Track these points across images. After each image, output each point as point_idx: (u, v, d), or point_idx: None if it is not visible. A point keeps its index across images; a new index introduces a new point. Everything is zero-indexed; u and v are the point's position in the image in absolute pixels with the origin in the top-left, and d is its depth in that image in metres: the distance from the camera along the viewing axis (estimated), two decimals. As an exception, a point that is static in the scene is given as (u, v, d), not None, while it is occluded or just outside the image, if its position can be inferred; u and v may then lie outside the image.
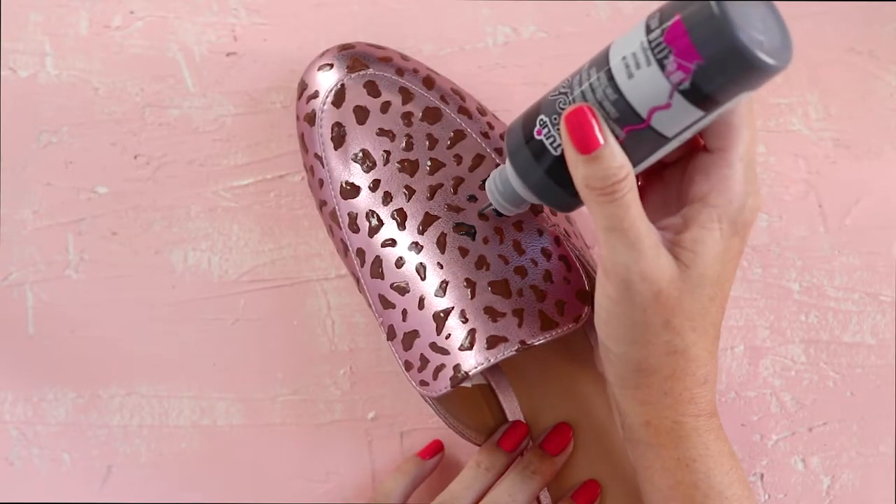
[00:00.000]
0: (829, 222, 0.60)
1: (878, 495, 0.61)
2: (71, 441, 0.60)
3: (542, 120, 0.47)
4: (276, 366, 0.60)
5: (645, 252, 0.45)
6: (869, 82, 0.60)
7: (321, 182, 0.55)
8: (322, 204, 0.56)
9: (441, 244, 0.53)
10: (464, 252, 0.53)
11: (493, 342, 0.51)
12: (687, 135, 0.45)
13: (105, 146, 0.60)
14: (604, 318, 0.47)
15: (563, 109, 0.45)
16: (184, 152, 0.60)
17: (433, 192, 0.53)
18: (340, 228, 0.55)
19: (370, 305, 0.54)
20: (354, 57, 0.54)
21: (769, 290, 0.60)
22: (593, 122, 0.44)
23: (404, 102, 0.54)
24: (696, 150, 0.48)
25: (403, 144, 0.54)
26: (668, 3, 0.43)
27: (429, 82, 0.55)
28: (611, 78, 0.44)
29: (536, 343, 0.51)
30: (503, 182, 0.50)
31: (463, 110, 0.55)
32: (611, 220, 0.44)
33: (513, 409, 0.58)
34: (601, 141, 0.44)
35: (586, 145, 0.44)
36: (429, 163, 0.54)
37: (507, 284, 0.52)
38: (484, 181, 0.54)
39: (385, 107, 0.54)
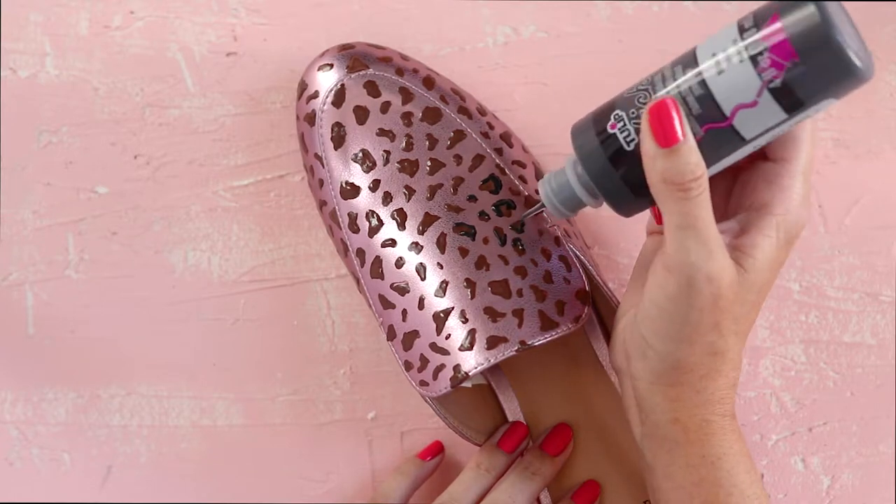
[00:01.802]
0: (829, 222, 0.60)
1: (878, 495, 0.61)
2: (71, 441, 0.60)
3: (617, 115, 0.47)
4: (276, 366, 0.60)
5: (715, 253, 0.45)
6: (869, 82, 0.60)
7: (321, 182, 0.55)
8: (322, 204, 0.56)
9: (441, 244, 0.53)
10: (464, 252, 0.53)
11: (492, 342, 0.51)
12: (762, 141, 0.45)
13: (105, 146, 0.60)
14: (654, 315, 0.47)
15: (642, 104, 0.46)
16: (184, 152, 0.60)
17: (433, 192, 0.53)
18: (340, 228, 0.55)
19: (370, 305, 0.54)
20: (354, 57, 0.54)
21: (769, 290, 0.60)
22: (675, 115, 0.44)
23: (404, 102, 0.54)
24: (745, 162, 0.48)
25: (403, 144, 0.54)
26: (763, 4, 0.44)
27: (429, 82, 0.55)
28: (698, 73, 0.44)
29: (536, 343, 0.51)
30: (560, 184, 0.50)
31: (463, 110, 0.55)
32: (686, 217, 0.45)
33: (513, 410, 0.58)
34: (682, 135, 0.44)
35: (668, 138, 0.44)
36: (429, 163, 0.54)
37: (507, 285, 0.52)
38: (484, 181, 0.54)
39: (385, 107, 0.54)
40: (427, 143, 0.54)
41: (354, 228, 0.54)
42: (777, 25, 0.43)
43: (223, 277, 0.60)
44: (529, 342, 0.51)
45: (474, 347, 0.51)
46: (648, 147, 0.45)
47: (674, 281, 0.46)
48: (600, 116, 0.48)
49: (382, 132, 0.54)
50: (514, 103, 0.59)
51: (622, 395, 0.51)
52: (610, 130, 0.47)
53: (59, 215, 0.60)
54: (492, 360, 0.51)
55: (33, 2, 0.60)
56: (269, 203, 0.60)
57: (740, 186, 0.49)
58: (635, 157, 0.46)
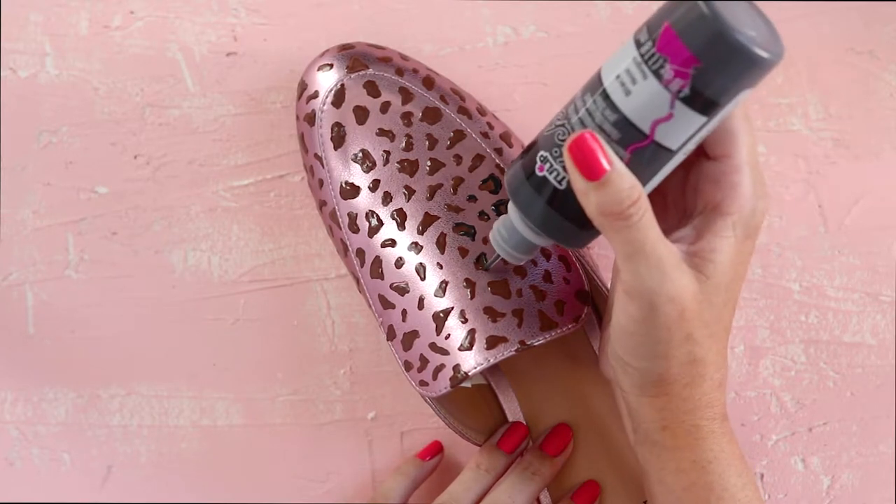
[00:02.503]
0: (829, 222, 0.60)
1: (878, 495, 0.61)
2: (71, 441, 0.60)
3: (542, 156, 0.46)
4: (276, 366, 0.60)
5: (669, 273, 0.44)
6: (869, 82, 0.60)
7: (321, 182, 0.55)
8: (322, 204, 0.56)
9: (441, 244, 0.53)
10: (463, 252, 0.53)
11: (492, 342, 0.51)
12: (691, 146, 0.45)
13: (105, 146, 0.60)
14: (623, 337, 0.47)
15: (562, 141, 0.45)
16: (184, 152, 0.60)
17: (433, 192, 0.53)
18: (340, 228, 0.55)
19: (370, 305, 0.54)
20: (354, 57, 0.54)
21: (769, 290, 0.60)
22: (597, 146, 0.43)
23: (404, 102, 0.54)
24: (691, 159, 0.48)
25: (403, 144, 0.54)
26: (653, 15, 0.43)
27: (429, 82, 0.55)
28: (607, 99, 0.44)
29: (536, 343, 0.51)
30: (508, 230, 0.49)
31: (463, 110, 0.55)
32: (632, 244, 0.44)
33: (513, 410, 0.58)
34: (607, 165, 0.43)
35: (594, 171, 0.43)
36: (428, 163, 0.54)
37: (507, 285, 0.52)
38: (484, 181, 0.54)
39: (385, 107, 0.54)
40: (427, 143, 0.54)
41: (354, 228, 0.54)
42: (670, 32, 0.42)
43: (223, 277, 0.60)
44: (529, 342, 0.51)
45: (474, 347, 0.51)
46: (578, 183, 0.44)
47: (635, 306, 0.45)
48: (527, 160, 0.47)
49: (382, 132, 0.54)
50: (514, 103, 0.59)
51: (617, 402, 0.51)
52: (539, 173, 0.46)
53: (59, 215, 0.60)
54: (491, 360, 0.51)
55: (33, 2, 0.60)
56: (269, 203, 0.60)
57: (691, 190, 0.48)
58: (570, 193, 0.45)
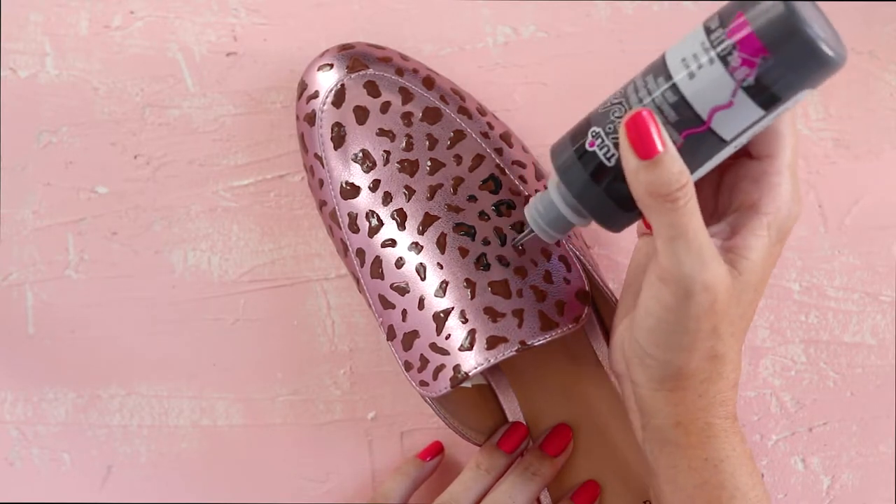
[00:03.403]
0: (829, 222, 0.60)
1: (878, 495, 0.61)
2: (71, 441, 0.60)
3: (594, 131, 0.46)
4: (276, 366, 0.60)
5: (708, 261, 0.44)
6: (869, 82, 0.60)
7: (321, 182, 0.55)
8: (322, 204, 0.56)
9: (441, 244, 0.53)
10: (464, 252, 0.53)
11: (492, 342, 0.51)
12: (743, 139, 0.45)
13: (105, 146, 0.60)
14: (651, 325, 0.46)
15: (617, 118, 0.45)
16: (184, 152, 0.60)
17: (433, 192, 0.53)
18: (340, 228, 0.55)
19: (370, 306, 0.54)
20: (354, 57, 0.54)
21: (769, 290, 0.60)
22: (653, 126, 0.44)
23: (404, 102, 0.54)
24: (728, 161, 0.48)
25: (403, 144, 0.54)
26: (726, 5, 0.44)
27: (429, 82, 0.55)
28: (670, 80, 0.44)
29: (536, 343, 0.51)
30: (546, 206, 0.49)
31: (463, 110, 0.55)
32: (675, 228, 0.44)
33: (513, 410, 0.58)
34: (661, 146, 0.43)
35: (647, 150, 0.43)
36: (429, 163, 0.54)
37: (507, 285, 0.52)
38: (484, 181, 0.54)
39: (385, 107, 0.54)
40: (427, 143, 0.54)
41: (354, 228, 0.54)
42: (743, 22, 0.42)
43: (223, 277, 0.60)
44: (529, 342, 0.51)
45: (474, 347, 0.51)
46: (629, 161, 0.44)
47: (670, 292, 0.45)
48: (577, 134, 0.47)
49: (382, 132, 0.54)
50: (514, 103, 0.59)
51: (623, 399, 0.51)
52: (589, 148, 0.46)
53: (59, 215, 0.60)
54: (492, 361, 0.51)
55: (33, 2, 0.60)
56: (269, 203, 0.60)
57: (728, 187, 0.48)
58: (617, 172, 0.45)
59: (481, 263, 0.52)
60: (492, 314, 0.52)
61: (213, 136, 0.60)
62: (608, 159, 0.46)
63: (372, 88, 0.54)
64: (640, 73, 0.46)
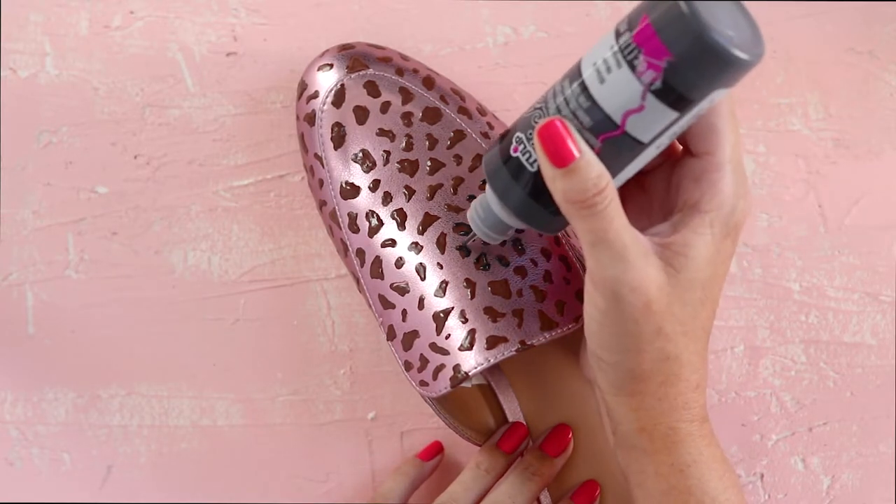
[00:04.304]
0: (829, 222, 0.60)
1: (878, 495, 0.61)
2: (71, 441, 0.60)
3: (517, 137, 0.46)
4: (276, 366, 0.60)
5: (633, 262, 0.44)
6: (869, 82, 0.60)
7: (321, 182, 0.55)
8: (322, 204, 0.56)
9: (441, 244, 0.53)
10: (464, 252, 0.53)
11: (492, 342, 0.51)
12: (664, 140, 0.44)
13: (105, 146, 0.60)
14: (594, 329, 0.47)
15: (537, 124, 0.45)
16: (184, 152, 0.60)
17: (433, 192, 0.53)
18: (340, 228, 0.55)
19: (370, 305, 0.54)
20: (354, 57, 0.54)
21: (769, 290, 0.60)
22: (565, 133, 0.43)
23: (404, 102, 0.54)
24: (674, 156, 0.48)
25: (403, 144, 0.54)
26: (636, 6, 0.43)
27: (429, 82, 0.55)
28: (583, 86, 0.44)
29: (536, 343, 0.51)
30: (485, 209, 0.49)
31: (463, 110, 0.55)
32: (595, 233, 0.44)
33: (513, 410, 0.58)
34: (576, 152, 0.43)
35: (561, 158, 0.43)
36: (429, 163, 0.54)
37: (507, 285, 0.52)
38: (484, 182, 0.54)
39: (385, 107, 0.54)
40: (427, 143, 0.54)
41: (354, 228, 0.54)
42: (647, 25, 0.41)
43: (223, 277, 0.60)
44: (529, 342, 0.51)
45: (474, 347, 0.51)
46: (546, 170, 0.44)
47: (600, 295, 0.45)
48: (505, 140, 0.47)
49: (382, 132, 0.54)
50: (514, 103, 0.59)
51: (600, 406, 0.51)
52: (513, 154, 0.46)
53: (59, 215, 0.60)
54: (491, 360, 0.51)
55: (33, 2, 0.60)
56: (269, 203, 0.60)
57: (674, 187, 0.48)
58: (541, 177, 0.45)
59: (481, 263, 0.52)
60: (492, 314, 0.52)
61: (213, 136, 0.60)
62: (531, 164, 0.46)
63: (372, 88, 0.54)
64: (560, 78, 0.45)
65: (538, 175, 0.46)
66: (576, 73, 0.44)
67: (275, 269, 0.60)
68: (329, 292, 0.60)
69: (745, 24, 0.42)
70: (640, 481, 0.49)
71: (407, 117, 0.54)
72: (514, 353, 0.51)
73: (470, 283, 0.52)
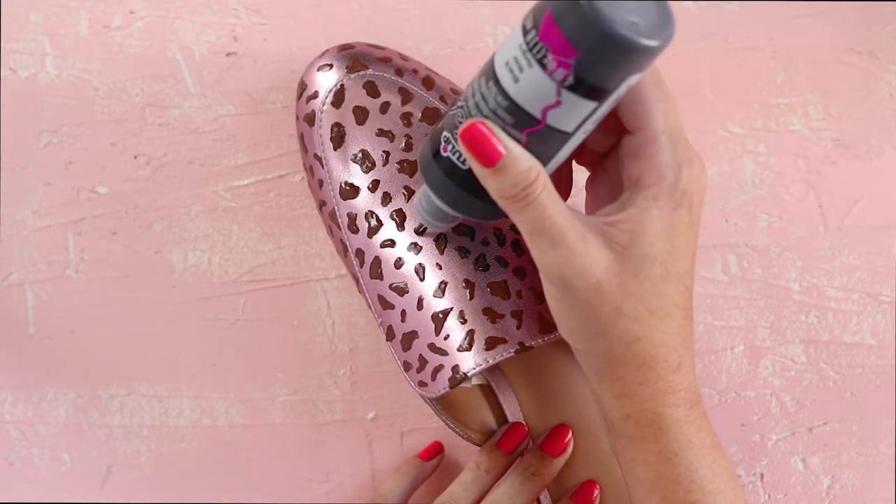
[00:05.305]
0: (829, 222, 0.60)
1: (878, 495, 0.61)
2: (71, 441, 0.60)
3: (445, 136, 0.46)
4: (276, 366, 0.60)
5: (571, 247, 0.44)
6: (869, 82, 0.60)
7: (321, 182, 0.55)
8: (321, 204, 0.56)
9: (440, 245, 0.53)
10: (463, 253, 0.53)
11: (491, 343, 0.51)
12: (590, 125, 0.44)
13: (105, 146, 0.60)
14: (558, 319, 0.47)
15: (461, 124, 0.45)
16: (184, 152, 0.60)
17: (432, 192, 0.53)
18: (340, 229, 0.55)
19: (369, 306, 0.54)
20: (354, 57, 0.54)
21: (769, 290, 0.60)
22: (489, 134, 0.44)
23: (404, 103, 0.54)
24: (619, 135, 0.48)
25: (403, 145, 0.54)
26: (538, 2, 0.43)
27: (428, 82, 0.55)
28: (499, 85, 0.43)
29: (535, 345, 0.51)
30: (427, 200, 0.49)
31: (462, 110, 0.55)
32: (532, 223, 0.44)
33: (512, 410, 0.58)
34: (502, 150, 0.43)
35: (488, 158, 0.44)
36: (428, 163, 0.54)
37: (506, 286, 0.52)
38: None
39: (384, 107, 0.54)
40: (426, 143, 0.54)
41: (354, 229, 0.54)
42: (551, 22, 0.41)
43: (223, 277, 0.60)
44: (528, 343, 0.51)
45: (473, 348, 0.51)
46: (476, 169, 0.44)
47: (550, 284, 0.45)
48: (434, 139, 0.47)
49: (382, 132, 0.54)
50: (513, 103, 0.59)
51: (593, 397, 0.51)
52: (443, 154, 0.46)
53: (59, 215, 0.60)
54: (490, 361, 0.51)
55: (33, 2, 0.60)
56: (269, 203, 0.60)
57: (620, 166, 0.47)
58: (473, 173, 0.46)
59: (480, 264, 0.52)
60: (491, 315, 0.52)
61: (213, 136, 0.60)
62: (462, 163, 0.46)
63: (371, 89, 0.54)
64: (476, 74, 0.45)
65: (470, 171, 0.46)
66: (490, 71, 0.44)
67: (275, 269, 0.60)
68: (329, 292, 0.60)
69: (650, 7, 0.42)
70: (630, 469, 0.49)
71: (406, 118, 0.54)
72: (512, 354, 0.51)
73: (469, 284, 0.52)
